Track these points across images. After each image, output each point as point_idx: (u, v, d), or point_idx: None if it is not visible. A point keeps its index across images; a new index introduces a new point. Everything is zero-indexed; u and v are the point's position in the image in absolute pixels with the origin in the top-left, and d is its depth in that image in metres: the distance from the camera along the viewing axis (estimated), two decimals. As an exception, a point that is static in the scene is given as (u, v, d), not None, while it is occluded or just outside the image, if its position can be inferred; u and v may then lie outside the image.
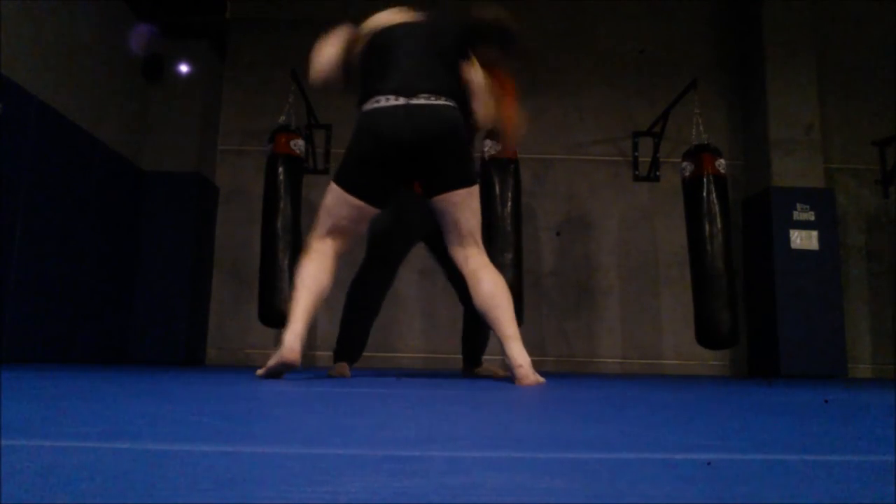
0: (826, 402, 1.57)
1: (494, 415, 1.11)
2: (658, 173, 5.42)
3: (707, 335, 4.17)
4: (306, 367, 4.37)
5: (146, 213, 4.89)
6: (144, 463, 0.54)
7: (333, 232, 2.22)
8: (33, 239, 3.62)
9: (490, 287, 2.18)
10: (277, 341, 5.48)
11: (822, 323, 4.75)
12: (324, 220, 2.23)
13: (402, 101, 2.17)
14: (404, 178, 2.26)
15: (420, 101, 2.17)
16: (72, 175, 4.03)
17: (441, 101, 2.20)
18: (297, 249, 4.29)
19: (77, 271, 4.09)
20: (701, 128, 4.51)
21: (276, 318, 4.10)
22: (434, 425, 0.91)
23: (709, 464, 0.59)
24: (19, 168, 3.49)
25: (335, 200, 2.22)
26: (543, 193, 5.43)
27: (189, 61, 5.09)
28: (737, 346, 4.44)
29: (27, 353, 3.59)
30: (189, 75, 5.08)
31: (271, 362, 2.00)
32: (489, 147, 4.22)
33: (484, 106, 2.37)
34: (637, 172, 5.45)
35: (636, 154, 5.46)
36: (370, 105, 2.20)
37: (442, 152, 2.18)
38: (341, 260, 2.25)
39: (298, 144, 4.33)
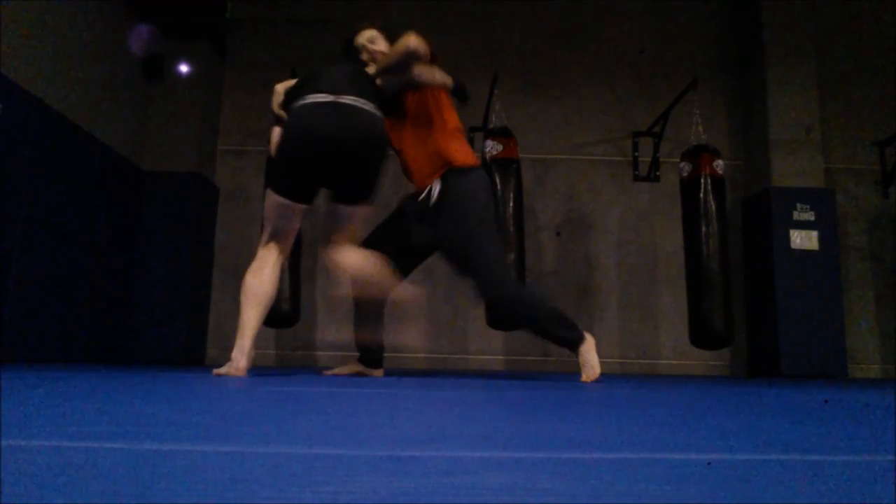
0: (826, 402, 1.57)
1: (494, 415, 1.11)
2: (658, 173, 5.43)
3: (701, 335, 4.20)
4: (306, 368, 4.37)
5: (146, 213, 4.89)
6: (144, 463, 0.54)
7: (274, 236, 2.38)
8: (33, 239, 3.62)
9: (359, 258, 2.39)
10: (277, 341, 5.44)
11: (822, 323, 4.75)
12: (265, 228, 2.40)
13: (330, 98, 2.28)
14: (325, 177, 2.36)
15: (348, 100, 2.28)
16: (72, 175, 4.03)
17: (368, 107, 2.32)
18: (296, 249, 4.29)
19: (77, 271, 4.08)
20: (700, 128, 4.51)
21: (275, 318, 4.10)
22: (434, 425, 0.91)
23: (709, 464, 0.59)
24: (19, 168, 3.49)
25: (269, 205, 2.37)
26: (544, 193, 5.44)
27: (189, 61, 5.09)
28: (732, 345, 4.45)
29: (27, 353, 3.59)
30: (189, 75, 5.08)
31: (222, 370, 2.21)
32: (491, 147, 4.22)
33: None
34: (637, 172, 5.45)
35: (636, 154, 5.46)
36: (299, 102, 2.32)
37: (362, 158, 2.31)
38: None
39: (298, 144, 4.32)
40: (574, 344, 2.46)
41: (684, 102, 4.87)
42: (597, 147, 5.54)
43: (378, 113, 2.34)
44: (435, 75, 2.50)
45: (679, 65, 5.53)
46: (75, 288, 4.07)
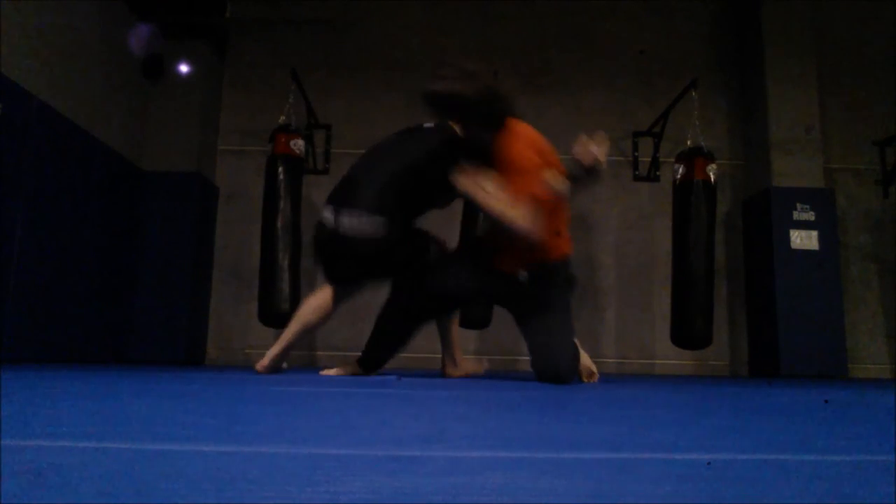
0: (826, 402, 1.57)
1: (495, 415, 1.11)
2: (658, 173, 5.42)
3: (680, 335, 4.36)
4: (305, 367, 4.37)
5: (146, 213, 4.89)
6: (144, 463, 0.54)
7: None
8: (33, 239, 3.62)
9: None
10: (277, 341, 5.42)
11: (822, 323, 4.75)
12: None
13: (330, 214, 2.42)
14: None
15: (342, 217, 2.38)
16: (72, 175, 4.02)
17: (364, 219, 2.37)
18: (297, 249, 4.28)
19: (77, 271, 4.08)
20: (698, 130, 4.51)
21: (275, 317, 4.09)
22: (434, 425, 0.91)
23: (709, 464, 0.59)
24: (19, 168, 3.49)
25: None
26: (543, 193, 5.43)
27: (189, 61, 5.08)
28: (710, 346, 4.51)
29: (27, 353, 3.59)
30: (189, 75, 5.08)
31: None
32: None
33: (499, 212, 2.35)
34: (637, 172, 5.45)
35: (636, 154, 5.46)
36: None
37: (356, 265, 2.53)
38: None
39: (298, 144, 4.33)
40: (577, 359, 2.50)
41: (684, 102, 4.87)
42: (597, 147, 5.53)
43: (378, 216, 2.35)
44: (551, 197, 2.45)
45: (679, 65, 5.53)
46: (75, 288, 4.07)
